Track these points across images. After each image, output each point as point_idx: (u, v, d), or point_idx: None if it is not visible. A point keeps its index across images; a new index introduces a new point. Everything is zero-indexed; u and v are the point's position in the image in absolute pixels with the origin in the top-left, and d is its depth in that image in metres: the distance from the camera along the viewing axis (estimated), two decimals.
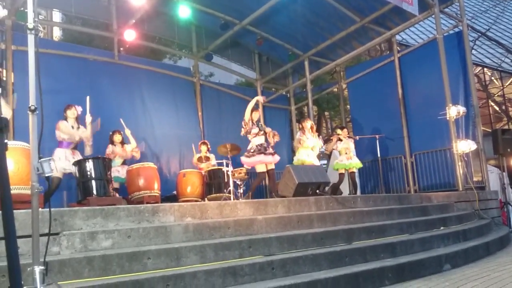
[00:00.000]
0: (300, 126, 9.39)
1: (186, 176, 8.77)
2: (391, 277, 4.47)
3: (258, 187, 11.75)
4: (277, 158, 8.16)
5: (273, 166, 8.15)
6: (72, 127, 7.20)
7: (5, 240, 1.64)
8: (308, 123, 9.02)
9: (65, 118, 7.23)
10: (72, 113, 7.24)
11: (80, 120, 7.37)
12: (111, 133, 8.35)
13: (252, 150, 7.95)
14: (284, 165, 8.44)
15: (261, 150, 7.91)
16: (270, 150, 8.07)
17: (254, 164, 7.98)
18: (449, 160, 9.84)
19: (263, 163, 7.97)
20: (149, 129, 10.44)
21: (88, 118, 7.32)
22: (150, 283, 3.49)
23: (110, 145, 8.28)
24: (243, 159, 8.07)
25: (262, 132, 8.09)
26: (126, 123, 8.61)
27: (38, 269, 2.65)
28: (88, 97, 7.34)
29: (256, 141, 8.01)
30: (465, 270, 5.02)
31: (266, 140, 8.16)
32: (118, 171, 8.07)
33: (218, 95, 12.74)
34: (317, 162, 8.83)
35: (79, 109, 7.33)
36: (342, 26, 11.37)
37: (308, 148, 8.84)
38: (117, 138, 8.33)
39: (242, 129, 8.12)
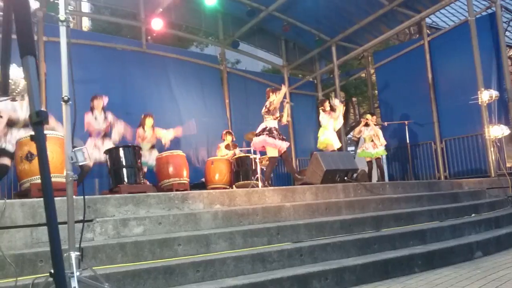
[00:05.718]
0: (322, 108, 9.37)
1: (214, 164, 8.85)
2: (421, 264, 4.44)
3: (282, 175, 11.83)
4: (286, 144, 8.01)
5: (284, 149, 7.99)
6: (96, 118, 7.34)
7: (48, 227, 1.70)
8: (326, 103, 9.25)
9: (92, 108, 7.38)
10: (98, 102, 7.39)
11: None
12: (142, 116, 8.35)
13: (271, 132, 7.80)
14: (311, 152, 8.40)
15: (275, 134, 7.81)
16: (281, 136, 7.99)
17: (269, 145, 7.77)
18: (480, 145, 9.64)
19: (277, 147, 7.84)
20: (176, 117, 10.51)
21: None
22: (181, 268, 3.56)
23: (139, 129, 8.23)
24: (268, 140, 7.72)
25: (279, 117, 8.10)
26: (153, 111, 8.68)
27: (74, 254, 2.74)
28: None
29: (271, 123, 7.93)
30: (497, 258, 4.94)
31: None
32: (145, 156, 8.00)
33: (245, 82, 12.75)
34: (337, 142, 8.88)
35: (106, 99, 7.45)
36: (370, 10, 11.14)
37: (327, 128, 8.94)
38: (149, 121, 8.28)
39: (265, 107, 7.99)
